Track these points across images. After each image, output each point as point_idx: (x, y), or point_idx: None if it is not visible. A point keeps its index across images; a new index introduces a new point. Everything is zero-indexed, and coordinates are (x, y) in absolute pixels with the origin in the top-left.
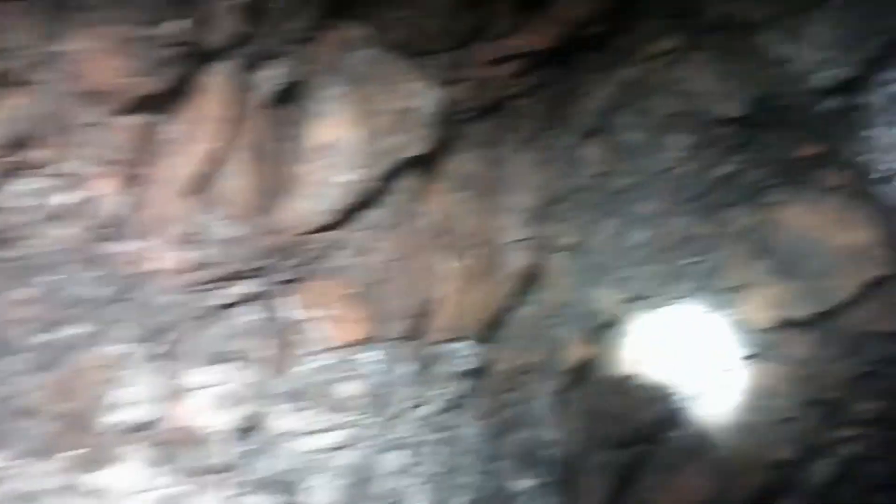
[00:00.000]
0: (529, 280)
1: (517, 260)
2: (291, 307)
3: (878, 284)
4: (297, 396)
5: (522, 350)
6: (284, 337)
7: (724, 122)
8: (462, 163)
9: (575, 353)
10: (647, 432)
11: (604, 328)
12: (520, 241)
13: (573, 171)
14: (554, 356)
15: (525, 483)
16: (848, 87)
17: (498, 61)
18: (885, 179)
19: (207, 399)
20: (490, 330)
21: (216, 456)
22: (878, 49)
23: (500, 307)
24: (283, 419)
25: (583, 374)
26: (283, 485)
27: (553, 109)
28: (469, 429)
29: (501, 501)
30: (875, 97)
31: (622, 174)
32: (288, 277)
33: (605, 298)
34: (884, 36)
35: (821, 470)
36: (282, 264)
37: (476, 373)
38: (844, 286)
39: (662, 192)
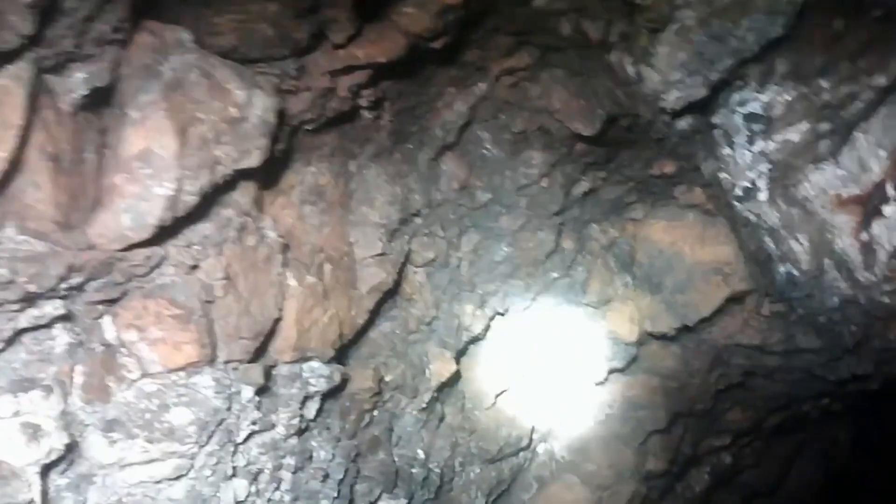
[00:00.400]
0: (388, 296)
1: (374, 275)
2: (108, 329)
3: (738, 299)
4: (119, 425)
5: (383, 367)
6: (101, 361)
7: (581, 139)
8: (308, 175)
9: (440, 368)
10: (517, 447)
11: (469, 343)
12: (376, 255)
13: (431, 185)
14: (418, 373)
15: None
16: (698, 107)
17: (340, 71)
18: (744, 197)
19: (10, 430)
20: (345, 348)
21: (23, 492)
22: (728, 70)
23: (356, 324)
24: (104, 450)
25: (449, 389)
26: None
27: (407, 123)
28: (322, 452)
29: None
30: (731, 117)
31: (481, 189)
32: (103, 297)
33: (469, 313)
34: (735, 57)
35: (696, 479)
36: (95, 283)
37: (329, 393)
38: (706, 301)
39: (523, 208)
